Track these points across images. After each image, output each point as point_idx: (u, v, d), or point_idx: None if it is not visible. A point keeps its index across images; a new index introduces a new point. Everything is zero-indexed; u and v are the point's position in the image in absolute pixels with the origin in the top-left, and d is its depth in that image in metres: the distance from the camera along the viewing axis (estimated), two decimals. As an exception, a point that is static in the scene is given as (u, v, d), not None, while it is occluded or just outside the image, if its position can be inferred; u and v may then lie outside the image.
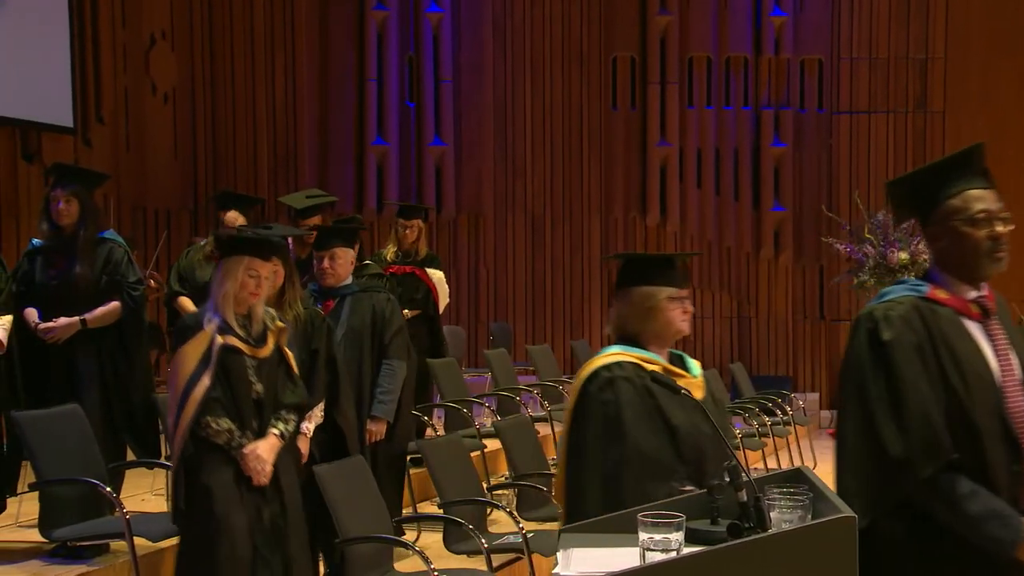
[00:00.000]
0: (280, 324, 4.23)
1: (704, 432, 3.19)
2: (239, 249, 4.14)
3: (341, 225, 6.01)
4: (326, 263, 5.26)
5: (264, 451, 4.05)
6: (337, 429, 4.83)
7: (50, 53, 9.36)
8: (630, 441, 3.13)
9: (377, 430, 5.49)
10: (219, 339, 4.03)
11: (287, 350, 4.24)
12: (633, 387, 3.19)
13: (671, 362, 3.36)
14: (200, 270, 6.26)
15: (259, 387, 4.11)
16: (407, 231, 7.66)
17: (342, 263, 5.34)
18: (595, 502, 3.09)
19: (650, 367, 3.24)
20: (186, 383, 3.97)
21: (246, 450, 4.03)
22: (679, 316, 3.34)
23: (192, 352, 4.00)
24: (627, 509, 2.74)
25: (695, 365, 3.43)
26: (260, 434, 4.08)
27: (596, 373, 3.25)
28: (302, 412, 4.34)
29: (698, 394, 3.27)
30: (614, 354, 3.28)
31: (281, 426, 4.14)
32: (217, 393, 4.00)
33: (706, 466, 3.15)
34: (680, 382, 3.23)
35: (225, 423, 4.01)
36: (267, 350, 4.14)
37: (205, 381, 3.97)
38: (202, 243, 6.51)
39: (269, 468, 4.06)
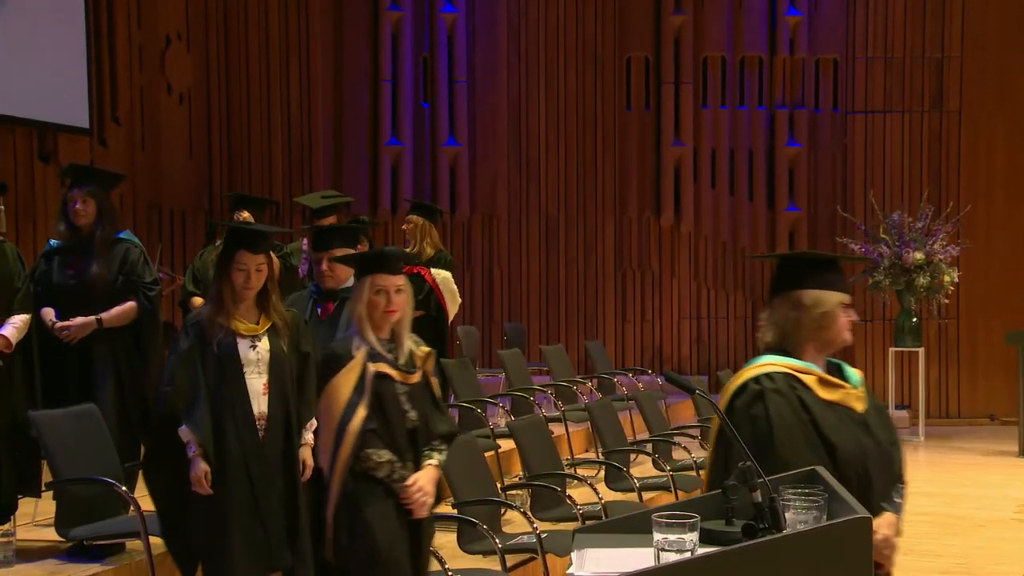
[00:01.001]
0: (425, 349, 4.02)
1: (868, 447, 2.98)
2: (362, 268, 3.96)
3: (342, 225, 5.91)
4: (325, 265, 4.92)
5: (426, 483, 3.89)
6: None
7: (66, 54, 9.40)
8: (779, 459, 2.86)
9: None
10: (371, 367, 3.84)
11: (432, 377, 4.04)
12: (785, 400, 2.94)
13: (828, 371, 3.09)
14: (214, 270, 6.29)
15: (413, 415, 3.91)
16: (405, 227, 7.70)
17: (343, 265, 5.11)
18: None
19: (805, 377, 2.99)
20: (341, 415, 3.79)
21: (409, 482, 3.86)
22: (847, 325, 3.07)
23: (345, 382, 3.80)
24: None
25: (855, 374, 3.15)
26: (415, 465, 3.91)
27: (744, 386, 3.02)
28: (451, 442, 4.10)
29: (859, 406, 3.05)
30: (764, 364, 3.04)
31: (437, 456, 3.96)
32: (374, 424, 3.80)
33: (872, 483, 2.94)
34: (839, 393, 3.01)
35: (386, 455, 3.82)
36: (417, 376, 3.95)
37: (361, 412, 3.79)
38: (217, 243, 6.53)
39: (431, 500, 3.91)
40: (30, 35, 8.97)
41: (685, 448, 7.32)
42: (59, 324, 5.28)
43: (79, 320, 5.29)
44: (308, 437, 4.31)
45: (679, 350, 12.18)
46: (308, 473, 4.26)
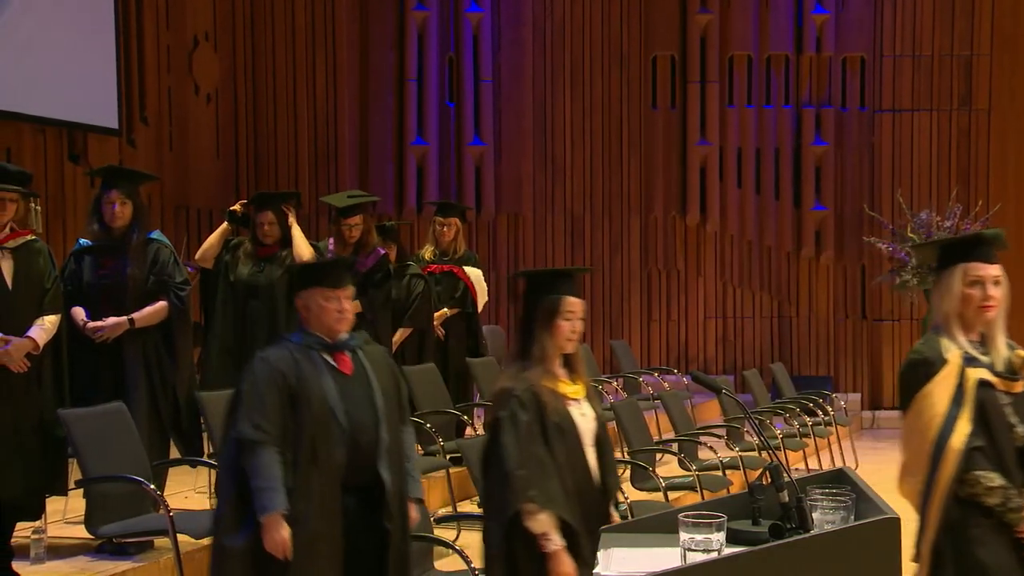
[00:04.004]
0: (1022, 352, 3.38)
1: None
2: (952, 255, 3.33)
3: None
4: (347, 304, 3.89)
5: None
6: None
7: (96, 56, 9.47)
8: None
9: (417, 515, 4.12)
10: (971, 372, 3.23)
11: None
12: None
13: None
14: (241, 265, 6.30)
15: (1021, 430, 3.27)
16: (444, 229, 7.70)
17: (354, 306, 4.02)
18: None
19: None
20: (939, 431, 3.17)
21: None
22: None
23: (940, 391, 3.19)
24: None
25: None
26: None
27: None
28: None
29: None
30: None
31: None
32: (980, 441, 3.18)
33: None
34: None
35: (997, 478, 3.16)
36: (1022, 384, 3.31)
37: (963, 427, 3.17)
38: (239, 238, 6.49)
39: None
40: (60, 37, 9.05)
41: (711, 448, 7.30)
42: (91, 324, 5.32)
43: (111, 320, 5.33)
44: (615, 515, 3.71)
45: (705, 350, 12.14)
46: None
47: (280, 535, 3.64)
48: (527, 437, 3.42)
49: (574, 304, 3.61)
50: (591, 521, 3.44)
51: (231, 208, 6.39)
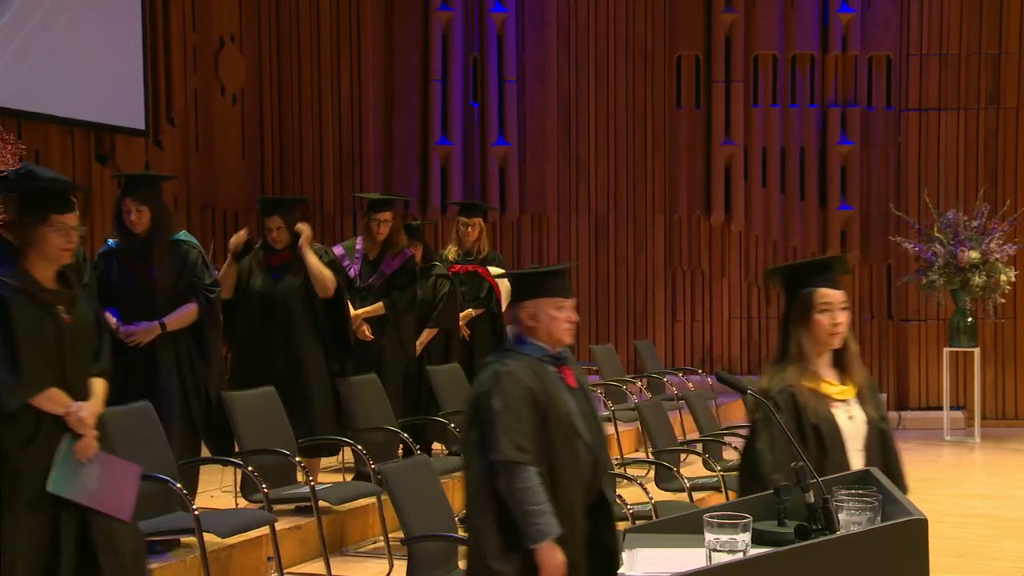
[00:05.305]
0: None
1: None
2: None
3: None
4: (575, 316, 3.76)
5: None
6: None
7: (123, 57, 9.55)
8: None
9: None
10: None
11: None
12: None
13: None
14: (255, 276, 6.29)
15: None
16: (468, 229, 7.71)
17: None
18: None
19: None
20: None
21: None
22: None
23: None
24: None
25: None
26: None
27: None
28: None
29: None
30: None
31: None
32: None
33: None
34: None
35: None
36: None
37: None
38: (257, 245, 6.49)
39: None
40: (87, 39, 9.12)
41: (736, 448, 7.27)
42: (123, 329, 5.36)
43: (144, 326, 5.36)
44: None
45: (729, 350, 12.11)
46: None
47: (559, 561, 3.43)
48: (782, 441, 3.17)
49: (830, 296, 3.38)
50: None
51: (231, 249, 6.39)
